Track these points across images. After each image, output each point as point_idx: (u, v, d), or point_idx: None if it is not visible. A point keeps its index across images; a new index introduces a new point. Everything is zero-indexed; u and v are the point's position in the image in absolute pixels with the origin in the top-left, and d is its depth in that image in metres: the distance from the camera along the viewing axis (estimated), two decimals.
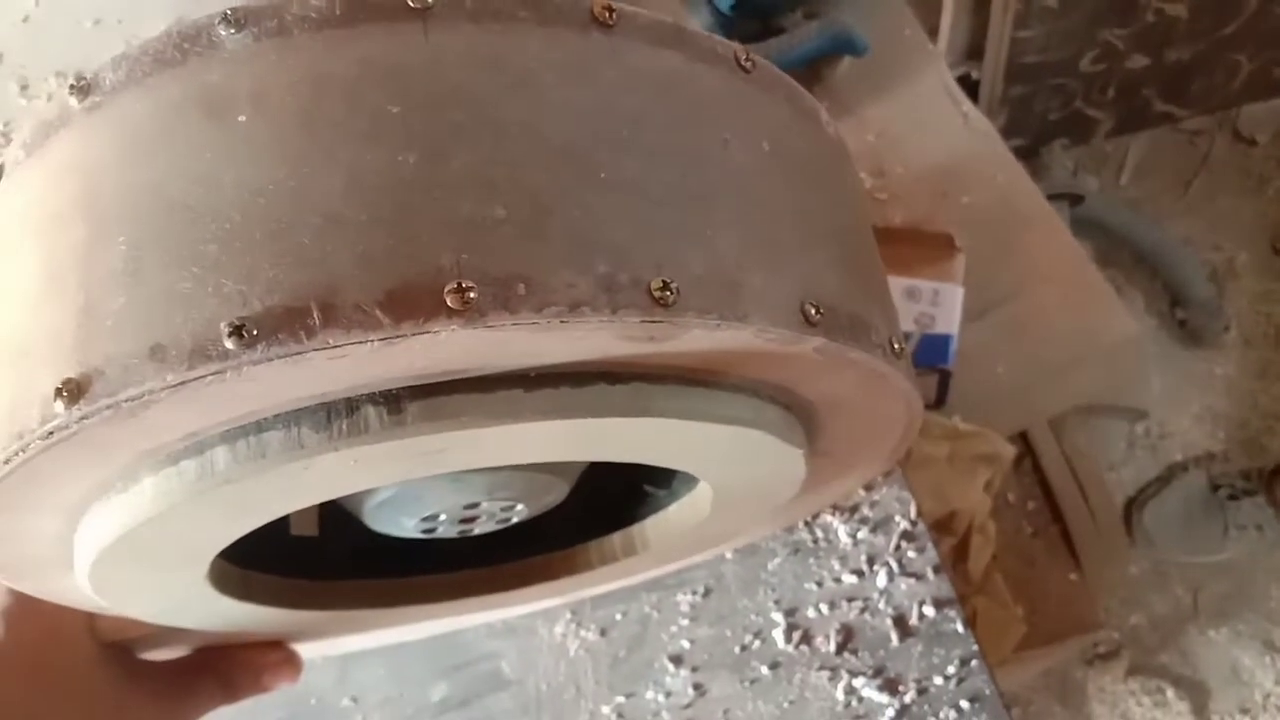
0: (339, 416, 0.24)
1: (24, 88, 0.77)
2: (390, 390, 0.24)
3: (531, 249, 0.23)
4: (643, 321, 0.23)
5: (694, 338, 0.24)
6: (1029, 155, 1.50)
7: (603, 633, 0.55)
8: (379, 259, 0.22)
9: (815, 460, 0.34)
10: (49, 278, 0.24)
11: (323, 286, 0.22)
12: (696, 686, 0.53)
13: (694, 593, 0.55)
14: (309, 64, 0.24)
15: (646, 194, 0.25)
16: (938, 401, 0.82)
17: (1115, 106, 1.47)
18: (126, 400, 0.22)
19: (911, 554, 0.54)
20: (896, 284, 0.84)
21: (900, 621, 0.53)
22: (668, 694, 0.53)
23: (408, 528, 0.34)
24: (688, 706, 0.53)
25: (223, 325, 0.22)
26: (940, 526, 0.84)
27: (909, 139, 1.00)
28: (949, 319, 0.79)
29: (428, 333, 0.22)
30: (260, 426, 0.24)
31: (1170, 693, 1.31)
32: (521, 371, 0.25)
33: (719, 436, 0.29)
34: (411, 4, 0.25)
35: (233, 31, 0.24)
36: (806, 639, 0.54)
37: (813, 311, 0.26)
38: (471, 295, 0.22)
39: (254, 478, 0.25)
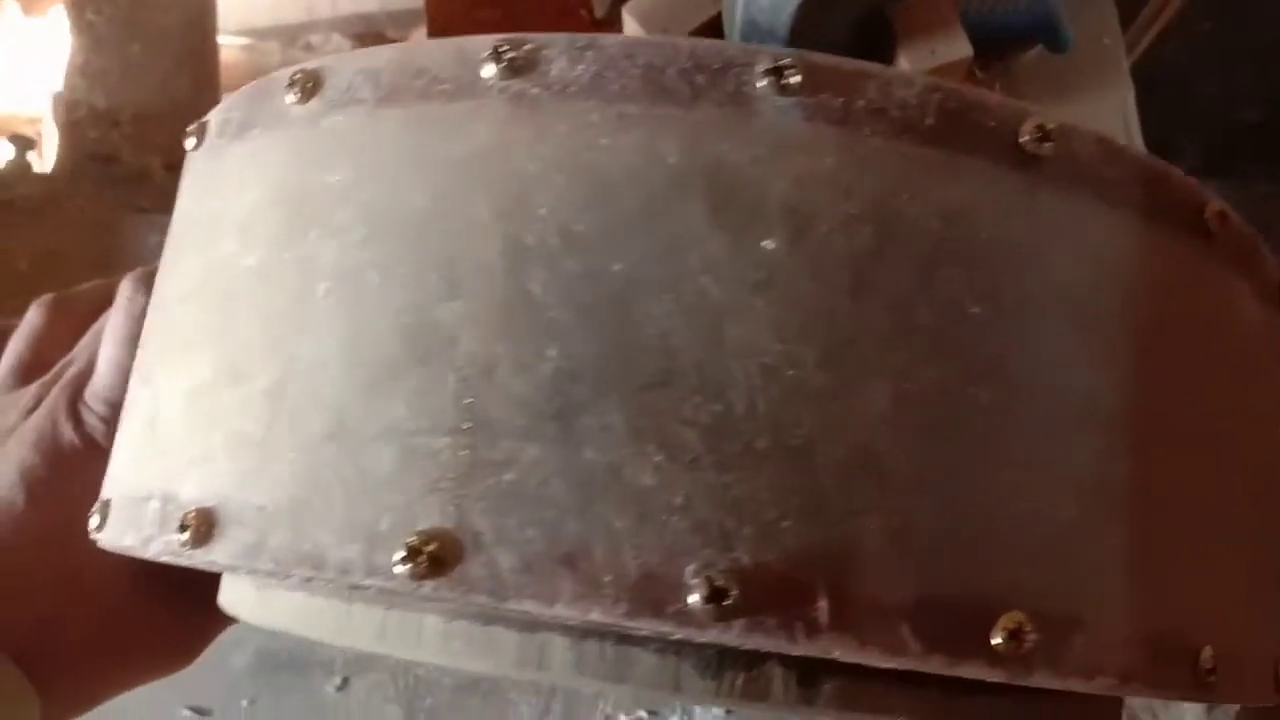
0: (734, 666, 0.17)
1: None
2: None
3: (1098, 579, 0.17)
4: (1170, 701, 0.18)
5: None
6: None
7: None
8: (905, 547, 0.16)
9: None
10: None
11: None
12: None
13: None
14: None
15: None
16: None
17: None
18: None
19: None
20: None
21: None
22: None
23: None
24: None
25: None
26: None
27: None
28: None
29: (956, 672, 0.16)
30: (623, 638, 0.18)
31: None
32: None
33: None
34: (1024, 144, 0.17)
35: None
36: None
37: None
38: (1028, 642, 0.16)
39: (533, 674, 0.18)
